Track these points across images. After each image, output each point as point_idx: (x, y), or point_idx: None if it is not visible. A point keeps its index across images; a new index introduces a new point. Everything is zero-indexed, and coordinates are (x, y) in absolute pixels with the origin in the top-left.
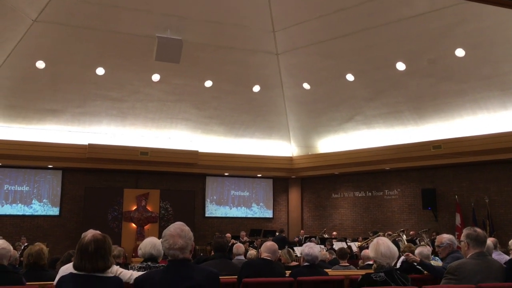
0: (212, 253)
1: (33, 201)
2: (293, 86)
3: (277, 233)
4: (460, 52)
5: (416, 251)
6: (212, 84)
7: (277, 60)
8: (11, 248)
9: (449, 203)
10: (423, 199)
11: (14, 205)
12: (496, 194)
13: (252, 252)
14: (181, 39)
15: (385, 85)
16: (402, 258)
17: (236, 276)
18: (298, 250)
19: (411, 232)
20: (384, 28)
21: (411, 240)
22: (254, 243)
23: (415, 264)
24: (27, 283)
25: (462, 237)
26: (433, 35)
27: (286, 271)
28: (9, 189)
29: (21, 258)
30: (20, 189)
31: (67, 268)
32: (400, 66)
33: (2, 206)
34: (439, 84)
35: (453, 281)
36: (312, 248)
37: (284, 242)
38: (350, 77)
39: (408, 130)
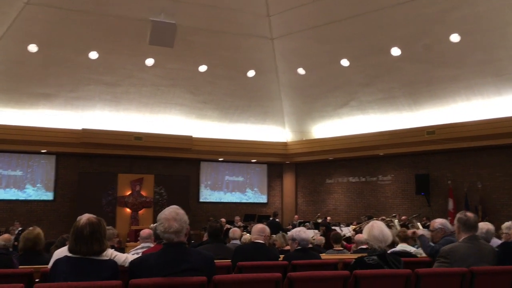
0: (205, 238)
1: (27, 186)
2: (288, 71)
3: (270, 218)
4: (455, 38)
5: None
6: (207, 69)
7: (272, 45)
8: None
9: (442, 189)
10: (417, 185)
11: (7, 189)
12: (489, 179)
13: (246, 236)
14: (175, 23)
15: (380, 71)
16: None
17: (231, 260)
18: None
19: (402, 217)
20: (379, 13)
21: (404, 225)
22: (248, 228)
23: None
24: (22, 266)
25: (454, 222)
26: (428, 21)
27: (281, 255)
28: (2, 173)
29: (15, 243)
30: (13, 173)
31: (61, 252)
32: (395, 51)
33: None
34: (434, 70)
35: (445, 264)
36: (305, 232)
37: (278, 227)
38: (345, 63)
39: (402, 115)
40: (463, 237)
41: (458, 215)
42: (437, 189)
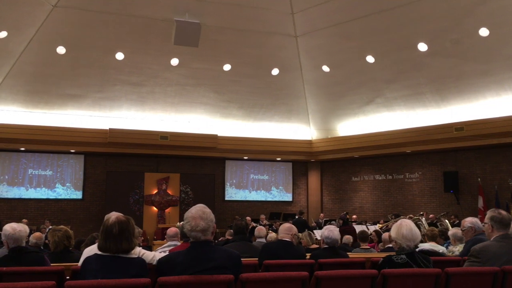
0: (227, 236)
1: (57, 185)
2: (312, 69)
3: (296, 216)
4: (484, 32)
5: (450, 232)
6: (231, 68)
7: (296, 43)
8: (27, 229)
9: (471, 186)
10: (445, 182)
11: (38, 189)
12: None
13: (272, 235)
14: (199, 22)
15: (406, 67)
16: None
17: (257, 258)
18: (318, 233)
19: (430, 216)
20: (405, 8)
21: (432, 224)
22: (273, 226)
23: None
24: (54, 264)
25: (486, 220)
26: (456, 15)
27: (307, 254)
28: (33, 173)
29: (46, 241)
30: (44, 173)
31: (91, 250)
32: (422, 46)
33: (27, 190)
34: (462, 65)
35: (476, 263)
36: (332, 231)
37: (304, 226)
38: (370, 59)
39: (429, 112)
40: (495, 236)
41: (491, 213)
42: (466, 187)
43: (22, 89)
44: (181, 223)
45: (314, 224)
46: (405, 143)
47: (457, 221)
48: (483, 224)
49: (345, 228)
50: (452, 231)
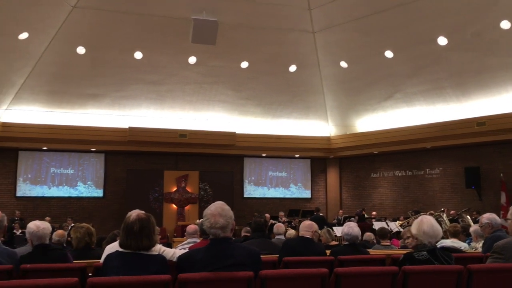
0: (243, 234)
1: (78, 183)
2: (330, 65)
3: (314, 213)
4: (505, 25)
5: (471, 229)
6: (248, 65)
7: (314, 39)
8: (50, 227)
9: (493, 182)
10: (467, 178)
11: (60, 187)
12: None
13: (291, 231)
14: (216, 20)
15: (426, 61)
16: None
17: (277, 255)
18: (337, 230)
19: (451, 212)
20: (424, 1)
21: (453, 220)
22: (292, 223)
23: None
24: (76, 261)
25: (509, 215)
26: (476, 7)
27: (327, 251)
28: (55, 172)
29: (69, 238)
30: (65, 172)
31: (112, 247)
32: (442, 40)
33: (49, 188)
34: (483, 59)
35: (499, 260)
36: (352, 228)
37: (323, 222)
38: (389, 54)
39: (450, 107)
40: None
41: None
42: (488, 182)
43: (43, 89)
44: (200, 220)
45: (334, 221)
46: (425, 139)
47: (479, 218)
48: (506, 219)
49: (362, 224)
50: (473, 227)
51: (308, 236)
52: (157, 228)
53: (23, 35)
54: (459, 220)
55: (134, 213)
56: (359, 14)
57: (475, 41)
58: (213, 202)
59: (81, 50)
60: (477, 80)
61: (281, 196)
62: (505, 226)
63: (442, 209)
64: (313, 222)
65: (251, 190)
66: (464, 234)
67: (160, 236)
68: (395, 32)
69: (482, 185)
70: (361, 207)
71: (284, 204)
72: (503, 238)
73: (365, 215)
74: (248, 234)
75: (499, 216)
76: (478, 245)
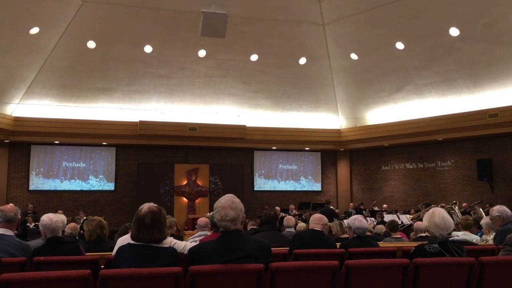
0: (249, 227)
1: (90, 177)
2: (340, 57)
3: (325, 205)
4: None
5: (483, 221)
6: (258, 58)
7: (323, 31)
8: (63, 219)
9: (506, 174)
10: (479, 170)
11: (72, 181)
12: None
13: (301, 224)
14: (225, 13)
15: (437, 53)
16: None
17: (287, 248)
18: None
19: (463, 204)
20: None
21: (465, 212)
22: (303, 216)
23: None
24: (89, 253)
25: None
26: None
27: (337, 243)
28: (67, 165)
29: (81, 231)
30: (77, 165)
31: (124, 239)
32: (453, 31)
33: (62, 182)
34: (495, 50)
35: (511, 252)
36: (361, 221)
37: (332, 215)
38: (400, 45)
39: (462, 98)
40: None
41: None
42: (501, 174)
43: (55, 83)
44: (211, 213)
45: (343, 215)
46: (436, 131)
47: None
48: None
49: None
50: (484, 219)
51: (318, 229)
52: (172, 219)
53: (34, 30)
54: (471, 212)
55: (146, 206)
56: (369, 5)
57: (487, 32)
58: (224, 195)
59: (91, 44)
60: (488, 71)
61: (292, 189)
62: None
63: (454, 201)
64: (322, 215)
65: (261, 183)
66: (476, 226)
67: (176, 228)
68: (405, 24)
69: (495, 177)
70: (379, 203)
71: (294, 197)
72: None
73: (363, 209)
74: (255, 227)
75: (511, 208)
76: (489, 238)
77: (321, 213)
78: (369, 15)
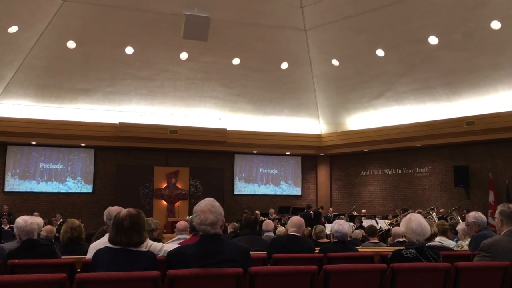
0: (229, 230)
1: (68, 179)
2: (322, 63)
3: (305, 210)
4: (495, 25)
5: (460, 227)
6: (240, 62)
7: (306, 36)
8: (38, 221)
9: (482, 181)
10: (455, 177)
11: (49, 182)
12: None
13: (281, 229)
14: (208, 16)
15: (416, 60)
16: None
17: (266, 252)
18: (328, 228)
19: (441, 210)
20: (415, 0)
21: (442, 218)
22: (282, 220)
23: None
24: (65, 256)
25: (496, 214)
26: (467, 7)
27: (316, 248)
28: (44, 167)
29: (57, 234)
30: (55, 167)
31: (97, 244)
32: (433, 40)
33: (38, 183)
34: (473, 58)
35: (487, 258)
36: (342, 225)
37: (311, 220)
38: (380, 52)
39: (440, 106)
40: (505, 231)
41: (500, 208)
42: (477, 181)
43: (33, 83)
44: (190, 216)
45: (323, 220)
46: (415, 137)
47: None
48: (493, 218)
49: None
50: (461, 225)
51: (296, 234)
52: (156, 221)
53: (13, 29)
54: (448, 218)
55: (125, 209)
56: (351, 12)
57: (466, 40)
58: (203, 198)
59: (71, 44)
60: (467, 79)
61: (272, 193)
62: (492, 224)
63: (432, 207)
64: (300, 218)
65: (242, 187)
66: (452, 232)
67: (158, 231)
68: (386, 31)
69: (471, 183)
70: (352, 206)
71: (274, 201)
72: (489, 236)
73: (321, 212)
74: (234, 230)
75: (487, 214)
76: (465, 244)
77: (302, 217)
78: (350, 22)
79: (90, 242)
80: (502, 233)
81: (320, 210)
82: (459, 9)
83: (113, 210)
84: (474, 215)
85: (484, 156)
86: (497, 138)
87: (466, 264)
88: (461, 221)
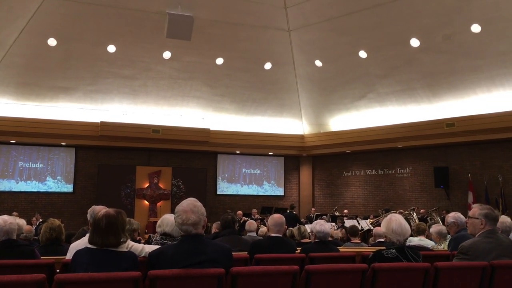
0: (214, 230)
1: (47, 178)
2: (305, 64)
3: (288, 210)
4: (476, 28)
5: (433, 229)
6: (224, 62)
7: (289, 37)
8: (20, 223)
9: (461, 182)
10: (436, 177)
11: (28, 182)
12: (510, 172)
13: (263, 229)
14: (192, 15)
15: (398, 62)
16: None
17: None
18: (308, 228)
19: (421, 211)
20: (398, 3)
21: (422, 219)
22: (264, 220)
23: None
24: (44, 257)
25: (478, 215)
26: (448, 11)
27: (298, 248)
28: (24, 166)
29: (36, 237)
30: (34, 166)
31: (77, 245)
32: (414, 42)
33: (17, 183)
34: (454, 61)
35: (465, 260)
36: (323, 225)
37: (295, 221)
38: (363, 54)
39: (421, 107)
40: (483, 231)
41: (485, 210)
42: (457, 182)
43: (13, 81)
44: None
45: (304, 220)
46: (396, 139)
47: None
48: (475, 218)
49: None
50: (434, 228)
51: (276, 235)
52: (137, 222)
53: None
54: (428, 218)
55: (104, 210)
56: (335, 13)
57: (447, 43)
58: (186, 198)
59: (52, 42)
60: (447, 82)
61: (254, 193)
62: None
63: (413, 207)
64: (281, 216)
65: (224, 187)
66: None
67: (138, 231)
68: (369, 33)
69: (451, 184)
70: (334, 206)
71: (257, 201)
72: (468, 237)
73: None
74: (218, 230)
75: (466, 215)
76: (440, 247)
77: (287, 218)
78: (333, 23)
79: (70, 243)
80: (478, 233)
81: (293, 211)
82: (440, 12)
83: (98, 209)
84: (454, 216)
85: (464, 158)
86: (477, 140)
87: (445, 264)
88: (440, 221)
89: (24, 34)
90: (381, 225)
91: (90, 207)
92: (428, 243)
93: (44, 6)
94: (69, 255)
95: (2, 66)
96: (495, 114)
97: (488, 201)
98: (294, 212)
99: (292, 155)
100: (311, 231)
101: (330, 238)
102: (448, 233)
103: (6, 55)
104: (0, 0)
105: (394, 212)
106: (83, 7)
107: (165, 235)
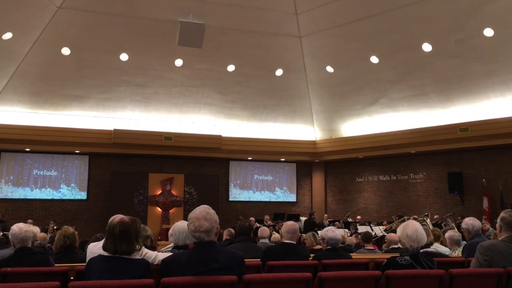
0: (225, 237)
1: (61, 186)
2: (316, 70)
3: (306, 218)
4: (488, 32)
5: (446, 235)
6: (235, 69)
7: (300, 43)
8: (34, 230)
9: (476, 187)
10: (450, 183)
11: (43, 189)
12: None
13: (275, 235)
14: (203, 23)
15: (410, 67)
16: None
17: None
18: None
19: (435, 216)
20: (409, 8)
21: (437, 225)
22: (277, 227)
23: None
24: (59, 264)
25: (498, 219)
26: (460, 15)
27: (311, 255)
28: (38, 174)
29: (49, 244)
30: (48, 174)
31: (94, 246)
32: (426, 47)
33: (32, 190)
34: (466, 65)
35: (483, 260)
36: (335, 232)
37: (314, 226)
38: (374, 59)
39: (434, 112)
40: (503, 236)
41: (502, 214)
42: (471, 187)
43: (27, 90)
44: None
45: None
46: (409, 144)
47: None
48: (485, 224)
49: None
50: (448, 233)
51: (290, 241)
52: (149, 230)
53: (7, 35)
54: (443, 224)
55: (118, 217)
56: (345, 19)
57: (459, 48)
58: (198, 205)
59: (66, 51)
60: (460, 86)
61: (267, 199)
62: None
63: (426, 213)
64: (294, 223)
65: (237, 194)
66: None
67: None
68: (380, 38)
69: (465, 190)
70: (347, 212)
71: (269, 207)
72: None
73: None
74: (229, 237)
75: (481, 220)
76: (455, 254)
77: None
78: (344, 29)
79: (84, 250)
80: (500, 239)
81: (357, 219)
82: (452, 16)
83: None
84: (466, 222)
85: (478, 163)
86: (491, 145)
87: (459, 271)
88: (455, 227)
89: (38, 44)
90: (397, 230)
91: (104, 214)
92: (444, 249)
93: (57, 16)
94: (88, 254)
95: (16, 76)
96: (509, 119)
97: (503, 206)
98: (313, 218)
99: (304, 161)
100: (322, 238)
101: (341, 245)
102: (464, 239)
103: (21, 64)
104: (15, 11)
105: (408, 218)
106: (96, 17)
107: (177, 247)
